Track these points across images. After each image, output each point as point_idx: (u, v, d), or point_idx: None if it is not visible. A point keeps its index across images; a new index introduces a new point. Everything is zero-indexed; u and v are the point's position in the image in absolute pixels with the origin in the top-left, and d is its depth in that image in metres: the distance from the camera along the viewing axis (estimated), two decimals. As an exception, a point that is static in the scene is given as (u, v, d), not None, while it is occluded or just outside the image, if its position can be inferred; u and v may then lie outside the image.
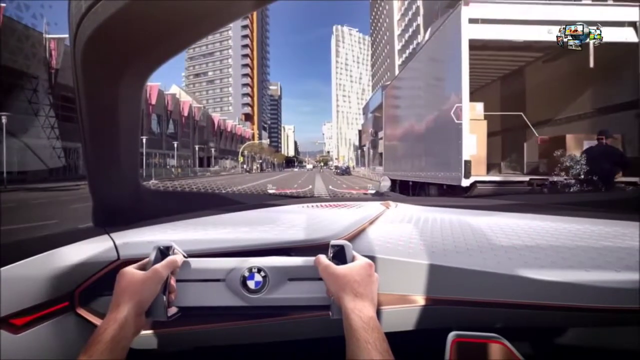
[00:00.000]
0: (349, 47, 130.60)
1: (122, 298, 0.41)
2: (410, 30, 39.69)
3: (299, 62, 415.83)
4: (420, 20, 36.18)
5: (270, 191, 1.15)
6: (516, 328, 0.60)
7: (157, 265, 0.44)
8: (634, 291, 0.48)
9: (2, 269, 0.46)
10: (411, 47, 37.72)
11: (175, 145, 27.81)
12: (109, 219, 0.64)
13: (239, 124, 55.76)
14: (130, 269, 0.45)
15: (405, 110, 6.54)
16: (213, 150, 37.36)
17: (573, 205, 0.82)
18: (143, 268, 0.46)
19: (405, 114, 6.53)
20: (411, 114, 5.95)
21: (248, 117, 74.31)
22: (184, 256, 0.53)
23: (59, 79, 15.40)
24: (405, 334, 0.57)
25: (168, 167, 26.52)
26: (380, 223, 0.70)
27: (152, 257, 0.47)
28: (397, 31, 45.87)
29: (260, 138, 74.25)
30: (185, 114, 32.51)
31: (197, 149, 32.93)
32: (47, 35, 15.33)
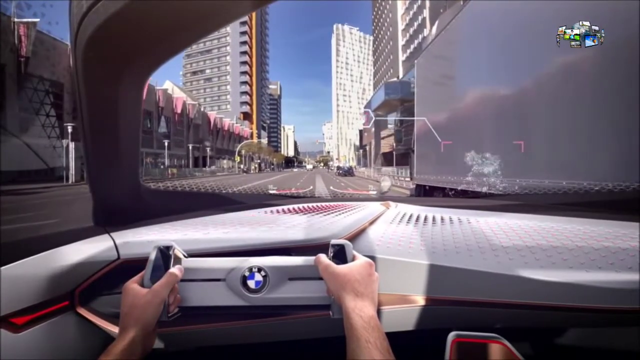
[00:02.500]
0: (350, 46, 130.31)
1: (128, 321, 0.42)
2: (416, 24, 38.12)
3: (299, 61, 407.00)
4: (426, 13, 34.79)
5: (271, 191, 1.15)
6: (516, 328, 0.61)
7: (157, 285, 0.45)
8: (634, 291, 0.48)
9: (2, 268, 0.46)
10: (416, 41, 36.39)
11: (166, 144, 25.95)
12: (109, 218, 0.64)
13: (237, 123, 54.98)
14: (134, 287, 0.45)
15: (477, 75, 3.36)
16: (209, 149, 35.78)
17: (573, 205, 0.82)
18: (143, 278, 0.46)
19: (474, 83, 3.39)
20: (492, 80, 3.01)
21: (247, 116, 73.90)
22: (184, 255, 0.53)
23: (30, 68, 13.58)
24: (405, 334, 0.57)
25: (161, 167, 24.78)
26: (380, 223, 0.70)
27: (153, 256, 0.47)
28: (401, 26, 44.23)
29: (259, 137, 73.90)
30: (179, 111, 30.88)
31: (190, 148, 31.36)
32: (16, 19, 12.99)
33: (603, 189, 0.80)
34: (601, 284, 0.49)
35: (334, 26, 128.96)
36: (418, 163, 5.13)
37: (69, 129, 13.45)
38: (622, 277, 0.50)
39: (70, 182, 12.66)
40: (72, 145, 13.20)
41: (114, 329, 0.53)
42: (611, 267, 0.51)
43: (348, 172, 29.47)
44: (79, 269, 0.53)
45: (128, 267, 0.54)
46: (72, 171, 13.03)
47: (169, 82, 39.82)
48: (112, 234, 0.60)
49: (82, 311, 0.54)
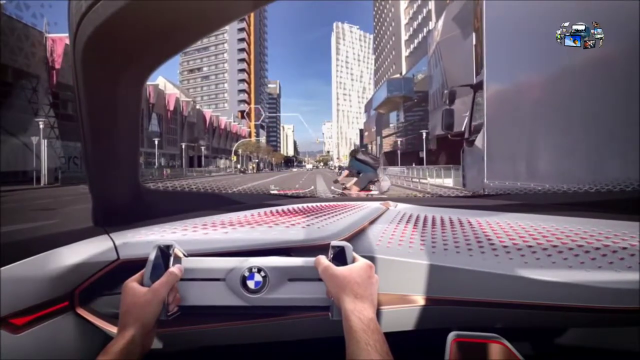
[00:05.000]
0: (350, 45, 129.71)
1: (128, 319, 0.42)
2: (420, 17, 36.46)
3: (299, 61, 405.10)
4: (431, 5, 33.26)
5: (272, 192, 1.16)
6: (516, 328, 0.61)
7: (157, 284, 0.44)
8: (634, 291, 0.48)
9: (2, 268, 0.46)
10: (420, 35, 34.97)
11: (157, 143, 24.41)
12: (109, 218, 0.64)
13: (234, 122, 53.71)
14: (134, 285, 0.45)
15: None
16: (204, 148, 34.29)
17: (573, 205, 0.82)
18: (143, 277, 0.46)
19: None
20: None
21: (245, 115, 73.55)
22: (184, 255, 0.53)
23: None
24: (405, 334, 0.57)
25: (153, 167, 23.47)
26: (380, 223, 0.70)
27: (152, 256, 0.47)
28: (404, 20, 42.42)
29: (257, 137, 73.49)
30: (171, 108, 29.16)
31: (184, 147, 29.55)
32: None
33: (603, 188, 0.80)
34: (601, 284, 0.49)
35: (334, 25, 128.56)
36: (491, 161, 2.72)
37: (41, 125, 12.33)
38: (622, 277, 0.50)
39: (42, 184, 11.59)
40: (44, 143, 12.14)
41: (113, 330, 0.53)
42: (611, 267, 0.51)
43: (351, 172, 28.77)
44: (78, 269, 0.53)
45: (128, 267, 0.54)
46: (44, 172, 11.95)
47: (162, 77, 38.25)
48: (111, 234, 0.60)
49: (82, 312, 0.54)
